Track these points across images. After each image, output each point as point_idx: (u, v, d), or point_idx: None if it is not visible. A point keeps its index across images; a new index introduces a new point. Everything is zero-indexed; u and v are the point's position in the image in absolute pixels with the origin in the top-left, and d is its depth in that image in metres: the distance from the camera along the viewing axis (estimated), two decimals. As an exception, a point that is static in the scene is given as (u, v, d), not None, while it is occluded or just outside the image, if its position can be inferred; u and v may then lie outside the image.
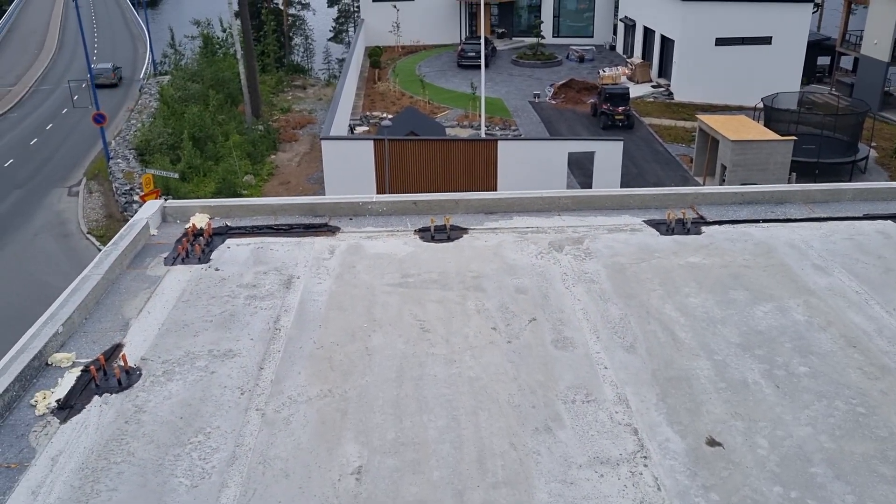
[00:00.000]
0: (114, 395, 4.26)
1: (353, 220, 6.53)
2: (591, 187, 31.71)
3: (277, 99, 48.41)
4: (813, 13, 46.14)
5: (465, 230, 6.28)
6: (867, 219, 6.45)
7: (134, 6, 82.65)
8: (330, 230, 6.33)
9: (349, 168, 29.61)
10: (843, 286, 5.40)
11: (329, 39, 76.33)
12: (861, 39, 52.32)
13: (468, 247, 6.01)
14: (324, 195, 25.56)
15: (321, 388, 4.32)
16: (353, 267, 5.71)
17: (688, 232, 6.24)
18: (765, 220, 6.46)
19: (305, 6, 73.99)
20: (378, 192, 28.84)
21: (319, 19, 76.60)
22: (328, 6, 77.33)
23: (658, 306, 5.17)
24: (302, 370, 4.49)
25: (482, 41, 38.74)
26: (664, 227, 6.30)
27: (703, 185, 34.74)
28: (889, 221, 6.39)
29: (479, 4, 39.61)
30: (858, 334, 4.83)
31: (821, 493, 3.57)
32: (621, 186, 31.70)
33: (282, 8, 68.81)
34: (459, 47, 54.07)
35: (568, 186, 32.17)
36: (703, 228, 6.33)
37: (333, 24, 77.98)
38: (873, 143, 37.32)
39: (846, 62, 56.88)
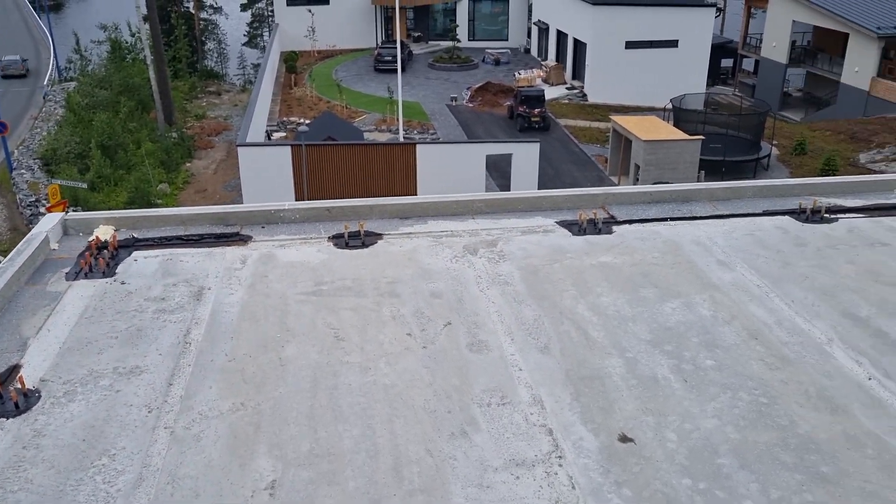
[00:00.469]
0: (10, 419, 4.05)
1: (266, 229, 6.41)
2: (509, 189, 32.07)
3: (191, 105, 47.26)
4: (716, 17, 47.83)
5: (379, 236, 6.24)
6: (766, 215, 6.69)
7: (35, 10, 79.36)
8: (242, 239, 6.19)
9: (267, 175, 29.14)
10: (746, 281, 5.58)
11: (244, 44, 75.03)
12: (761, 42, 54.60)
13: (383, 253, 5.97)
14: (241, 203, 25.07)
15: (233, 402, 4.21)
16: (266, 276, 5.60)
17: (599, 232, 6.35)
18: (672, 219, 6.63)
19: (218, 10, 72.51)
20: (297, 199, 28.46)
21: (233, 23, 75.18)
22: (241, 10, 75.96)
23: (571, 306, 5.23)
24: (213, 384, 4.36)
25: (398, 45, 38.68)
26: (576, 228, 6.39)
27: (619, 184, 35.58)
28: (787, 217, 6.64)
29: (395, 8, 39.54)
30: (760, 327, 5.00)
31: (727, 483, 3.67)
32: (539, 187, 32.16)
33: (193, 12, 67.19)
34: (376, 51, 53.93)
35: (486, 189, 32.44)
36: (614, 228, 6.45)
37: (248, 29, 76.68)
38: (775, 142, 38.87)
39: (748, 64, 59.24)
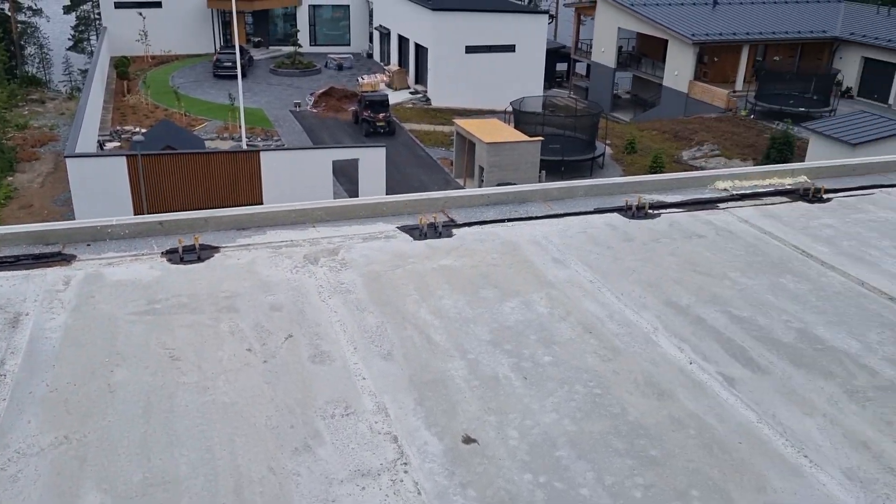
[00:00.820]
0: None
1: (92, 247, 6.02)
2: (357, 195, 31.96)
3: (11, 114, 43.83)
4: (549, 23, 49.79)
5: (216, 249, 6.01)
6: (597, 212, 7.00)
7: None
8: (64, 259, 5.78)
9: (101, 187, 27.51)
10: (580, 277, 5.81)
11: (68, 49, 70.49)
12: (591, 48, 57.40)
13: (220, 266, 5.76)
14: (74, 219, 23.47)
15: (56, 436, 3.91)
16: (92, 297, 5.25)
17: (439, 235, 6.41)
18: (509, 220, 6.80)
19: (37, 12, 67.73)
20: (136, 213, 27.03)
21: (56, 27, 70.44)
22: (65, 13, 71.33)
23: (413, 311, 5.25)
24: (32, 418, 4.04)
25: (238, 50, 37.64)
26: (417, 232, 6.43)
27: (464, 185, 36.26)
28: (615, 214, 6.98)
29: (233, 13, 38.42)
30: (593, 321, 5.22)
31: (566, 475, 3.79)
32: (387, 191, 32.26)
33: (9, 14, 62.44)
34: (215, 57, 52.21)
35: (334, 195, 32.18)
36: (454, 231, 6.54)
37: (72, 32, 72.10)
38: (608, 141, 40.92)
39: (581, 68, 62.08)
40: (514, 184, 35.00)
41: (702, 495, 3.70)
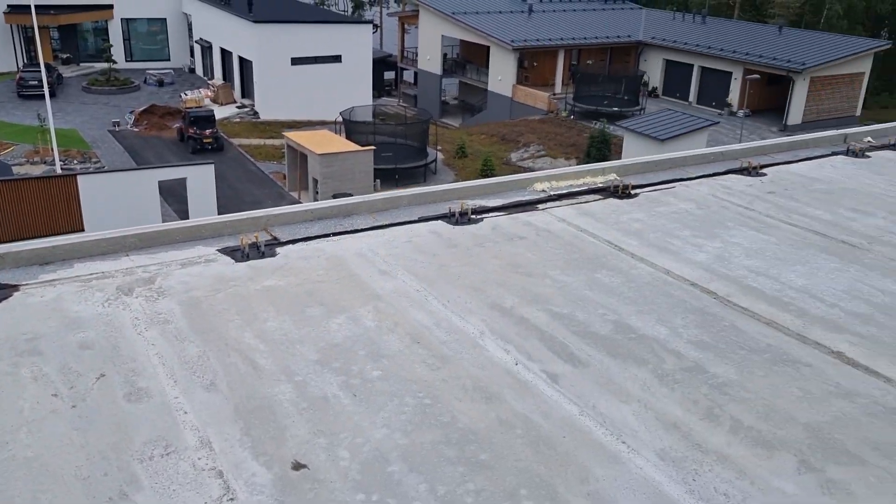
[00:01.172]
0: None
1: None
2: (187, 216, 30.67)
3: None
4: (374, 33, 50.02)
5: (14, 287, 5.52)
6: (422, 221, 7.05)
7: None
8: None
9: None
10: (406, 287, 5.82)
11: None
12: (417, 56, 58.25)
13: (20, 306, 5.29)
14: None
15: None
16: None
17: (263, 255, 6.22)
18: (335, 234, 6.71)
19: None
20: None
21: None
22: None
23: (237, 337, 5.05)
24: None
25: (44, 68, 35.08)
26: (239, 254, 6.21)
27: (299, 199, 35.69)
28: (440, 221, 7.06)
29: (34, 28, 35.78)
30: (421, 330, 5.23)
31: (398, 490, 3.76)
32: (219, 209, 31.19)
33: None
34: (18, 76, 48.47)
35: (164, 216, 30.70)
36: (278, 250, 6.37)
37: None
38: (439, 147, 41.59)
39: (409, 76, 62.83)
40: (351, 194, 34.79)
41: (530, 493, 3.78)
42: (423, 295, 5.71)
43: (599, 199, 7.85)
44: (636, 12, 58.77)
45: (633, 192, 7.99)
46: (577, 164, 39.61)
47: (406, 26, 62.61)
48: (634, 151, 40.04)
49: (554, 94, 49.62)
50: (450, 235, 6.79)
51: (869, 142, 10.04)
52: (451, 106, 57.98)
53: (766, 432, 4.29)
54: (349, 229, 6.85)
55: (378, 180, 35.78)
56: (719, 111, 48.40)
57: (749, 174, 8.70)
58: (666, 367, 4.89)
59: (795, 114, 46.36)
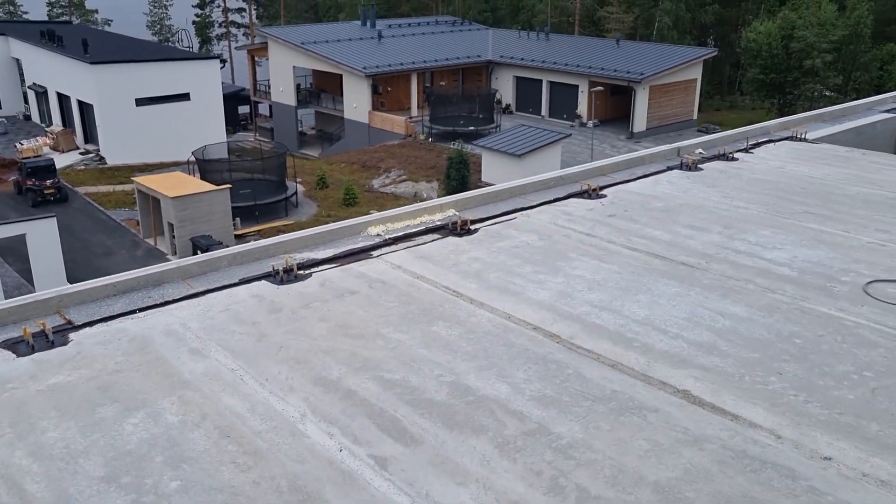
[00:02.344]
0: None
1: None
2: (31, 275, 28.31)
3: None
4: (222, 68, 48.38)
5: None
6: (243, 283, 6.34)
7: None
8: None
9: None
10: (220, 367, 5.09)
11: None
12: (270, 88, 56.91)
13: None
14: None
15: None
16: None
17: (52, 345, 5.33)
18: (141, 309, 5.89)
19: None
20: None
21: None
22: None
23: (6, 457, 4.17)
24: None
25: None
26: (23, 347, 5.29)
27: (155, 245, 33.77)
28: (263, 281, 6.37)
29: None
30: (233, 420, 4.52)
31: None
32: (66, 264, 29.03)
33: None
34: None
35: (3, 278, 28.16)
36: (72, 336, 5.49)
37: None
38: (299, 179, 40.55)
39: (264, 109, 61.31)
40: (211, 237, 32.94)
41: None
42: (239, 375, 5.00)
43: (438, 238, 7.37)
44: (483, 33, 59.80)
45: (472, 227, 7.56)
46: (439, 186, 39.54)
47: (257, 59, 61.12)
48: (493, 169, 40.48)
49: (410, 118, 49.55)
50: (274, 297, 6.10)
51: (700, 153, 10.11)
52: (310, 136, 56.92)
53: (614, 501, 3.85)
54: (159, 302, 6.03)
55: (238, 219, 34.39)
56: (570, 123, 49.79)
57: (590, 197, 8.48)
58: (507, 434, 4.39)
59: (640, 121, 48.30)
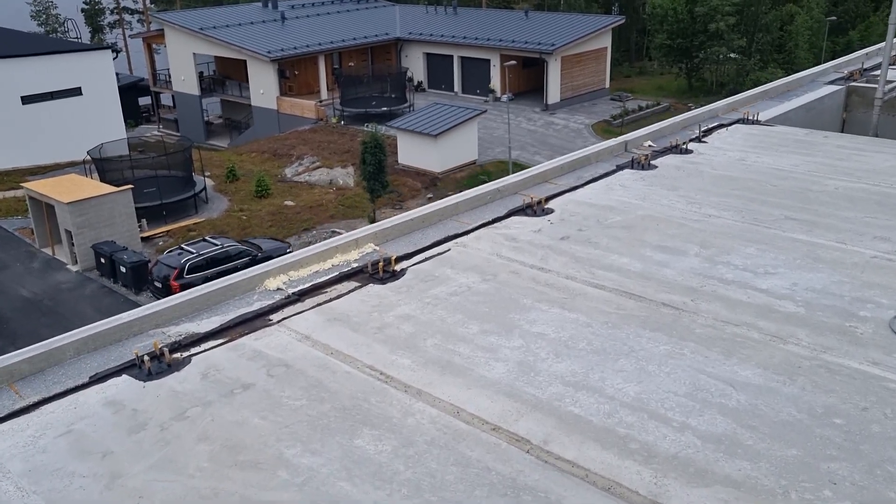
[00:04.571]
0: None
1: None
2: None
3: None
4: (115, 58, 44.86)
5: None
6: (95, 382, 4.60)
7: None
8: None
9: None
10: (45, 547, 3.38)
11: None
12: (171, 77, 53.42)
13: None
14: None
15: None
16: None
17: None
18: (-58, 444, 4.09)
19: None
20: None
21: None
22: None
23: None
24: None
25: None
26: None
27: (53, 254, 30.91)
28: (124, 376, 4.64)
29: None
30: None
31: None
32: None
33: None
34: None
35: None
36: None
37: None
38: (207, 173, 37.92)
39: (167, 99, 57.63)
40: (115, 242, 30.22)
41: None
42: (72, 562, 3.31)
43: (356, 287, 5.75)
44: (390, 9, 57.52)
45: (397, 268, 5.97)
46: (354, 171, 37.61)
47: (155, 47, 57.23)
48: (410, 150, 38.76)
49: (321, 101, 47.14)
50: (136, 404, 4.39)
51: (650, 146, 8.75)
52: (217, 126, 53.72)
53: None
54: (-30, 426, 4.24)
55: (144, 220, 31.75)
56: (484, 98, 48.37)
57: (534, 213, 6.99)
58: None
59: (553, 93, 47.27)
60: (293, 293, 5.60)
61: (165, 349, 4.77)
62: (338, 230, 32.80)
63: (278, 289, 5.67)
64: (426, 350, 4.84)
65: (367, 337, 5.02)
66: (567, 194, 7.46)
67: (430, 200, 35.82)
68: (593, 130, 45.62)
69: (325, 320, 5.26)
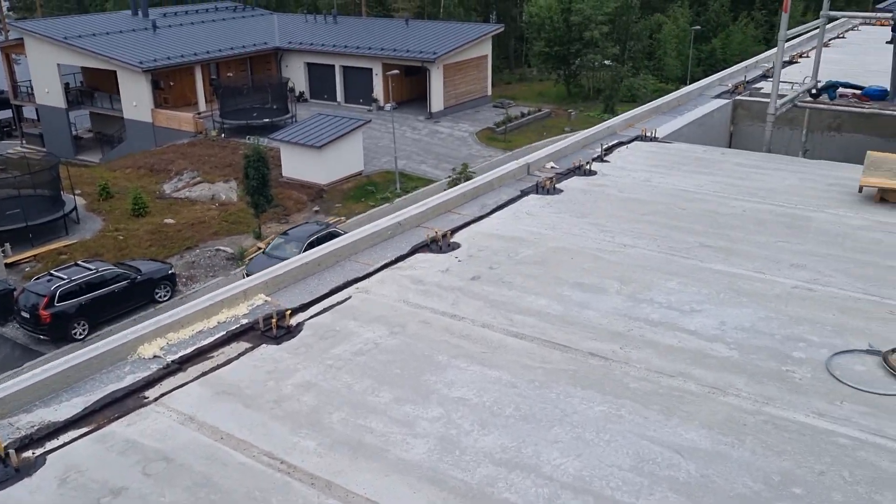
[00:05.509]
0: None
1: None
2: None
3: None
4: (-32, 70, 41.23)
5: None
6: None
7: None
8: None
9: None
10: None
11: None
12: (34, 89, 49.73)
13: None
14: None
15: None
16: None
17: None
18: None
19: None
20: None
21: None
22: None
23: None
24: None
25: None
26: None
27: None
28: (-42, 492, 3.69)
29: None
30: None
31: None
32: None
33: None
34: None
35: None
36: None
37: None
38: (78, 191, 35.35)
39: (31, 112, 53.60)
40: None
41: None
42: None
43: (246, 348, 4.97)
44: (268, 18, 55.74)
45: (293, 323, 5.22)
46: (238, 185, 35.98)
47: (14, 57, 53.08)
48: (294, 163, 37.48)
49: (199, 114, 44.98)
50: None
51: (554, 168, 8.34)
52: (87, 140, 50.34)
53: None
54: None
55: (7, 244, 29.14)
56: (368, 108, 47.60)
57: (440, 248, 6.39)
58: None
59: (437, 101, 47.03)
60: (173, 361, 4.76)
61: (12, 449, 3.85)
62: (223, 248, 31.25)
63: (155, 356, 4.82)
64: (333, 427, 4.14)
65: (263, 413, 4.27)
66: (472, 225, 6.91)
67: (317, 213, 34.74)
68: (478, 138, 45.68)
69: (212, 394, 4.46)
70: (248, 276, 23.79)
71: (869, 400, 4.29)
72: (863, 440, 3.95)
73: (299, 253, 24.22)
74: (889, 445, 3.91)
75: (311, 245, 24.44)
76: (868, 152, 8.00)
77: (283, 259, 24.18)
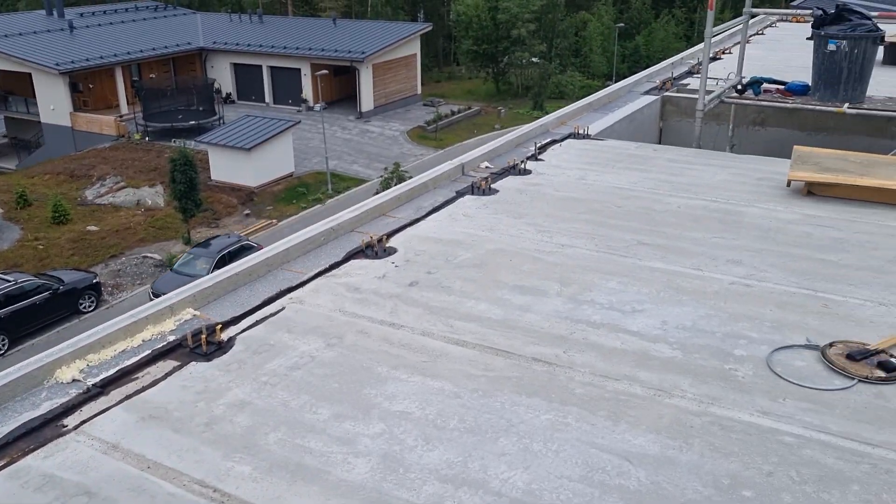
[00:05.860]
0: None
1: None
2: None
3: None
4: None
5: None
6: None
7: None
8: None
9: None
10: None
11: None
12: (-59, 93, 47.18)
13: None
14: None
15: None
16: None
17: None
18: None
19: None
20: None
21: None
22: None
23: None
24: None
25: None
26: None
27: None
28: None
29: None
30: None
31: None
32: None
33: None
34: None
35: None
36: None
37: None
38: (-7, 200, 33.79)
39: (-62, 117, 50.79)
40: None
41: None
42: None
43: (174, 367, 4.68)
44: (191, 18, 54.26)
45: (224, 337, 4.95)
46: (164, 190, 34.82)
47: (-82, 60, 50.25)
48: (223, 166, 36.62)
49: (121, 117, 43.50)
50: None
51: (488, 168, 8.23)
52: (2, 146, 48.15)
53: None
54: None
55: (-87, 262, 27.57)
56: (297, 108, 46.90)
57: (376, 254, 6.20)
58: None
59: (367, 100, 46.65)
60: (94, 384, 4.43)
61: (-89, 493, 3.49)
62: (151, 254, 30.22)
63: (74, 380, 4.48)
64: (269, 449, 3.91)
65: (194, 438, 4.00)
66: (408, 229, 6.73)
67: (248, 216, 33.97)
68: (409, 137, 45.51)
69: (137, 419, 4.16)
70: (154, 295, 22.86)
71: (811, 396, 4.29)
72: (808, 437, 3.94)
73: (209, 269, 23.52)
74: (833, 442, 3.90)
75: (223, 260, 23.75)
76: (795, 147, 8.16)
77: (193, 276, 23.10)
